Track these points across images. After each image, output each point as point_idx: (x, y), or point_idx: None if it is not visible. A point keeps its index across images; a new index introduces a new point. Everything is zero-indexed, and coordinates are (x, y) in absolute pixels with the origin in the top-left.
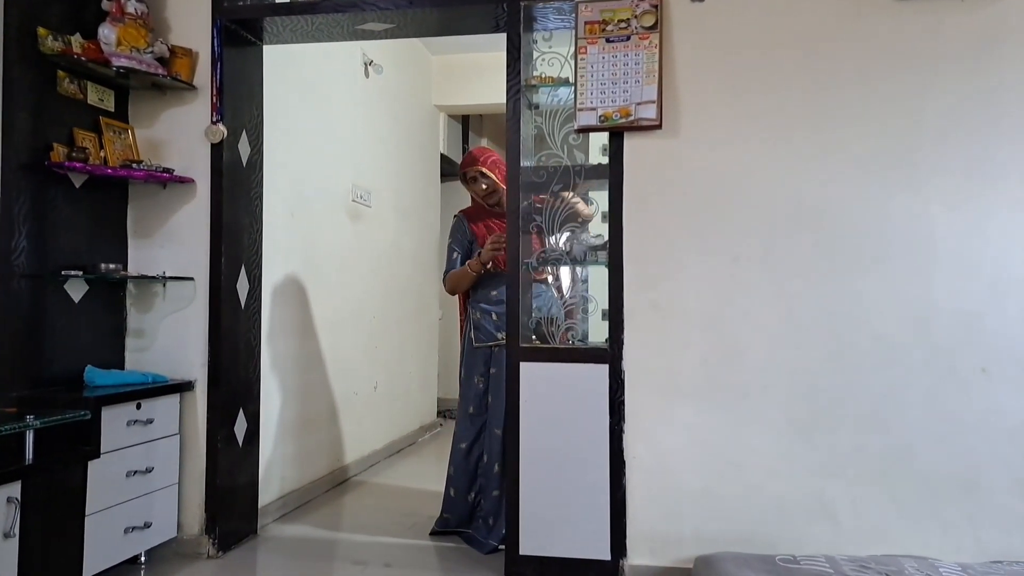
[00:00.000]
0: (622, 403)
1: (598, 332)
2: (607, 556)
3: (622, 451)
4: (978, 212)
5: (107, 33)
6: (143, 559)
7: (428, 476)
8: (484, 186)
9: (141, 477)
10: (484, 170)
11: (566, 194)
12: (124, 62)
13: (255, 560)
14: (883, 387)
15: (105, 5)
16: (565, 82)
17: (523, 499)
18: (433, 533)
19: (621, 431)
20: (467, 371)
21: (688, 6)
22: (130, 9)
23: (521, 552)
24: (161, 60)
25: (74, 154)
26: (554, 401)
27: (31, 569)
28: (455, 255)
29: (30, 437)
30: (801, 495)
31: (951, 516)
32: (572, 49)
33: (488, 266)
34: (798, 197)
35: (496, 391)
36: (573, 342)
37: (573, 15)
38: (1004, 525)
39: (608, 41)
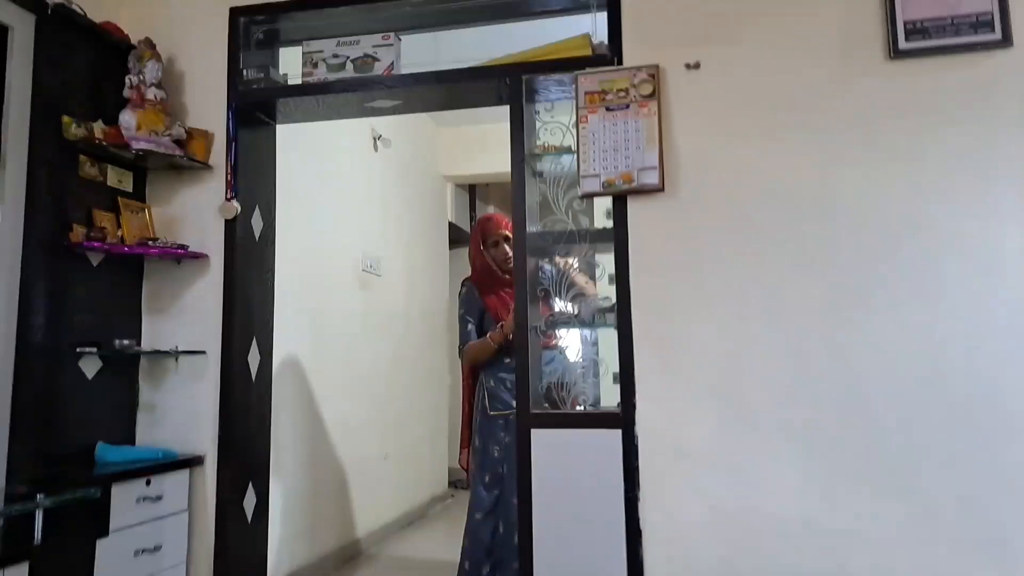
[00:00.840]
0: (636, 469)
1: (610, 396)
2: None
3: (638, 520)
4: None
5: (127, 119)
6: None
7: (440, 548)
8: (508, 249)
9: (149, 555)
10: (508, 233)
11: (565, 261)
12: (143, 144)
13: None
14: (903, 446)
15: (127, 93)
16: (567, 150)
17: (537, 572)
18: None
19: (636, 499)
20: (482, 440)
21: (684, 73)
22: (150, 96)
23: None
24: (178, 142)
25: (92, 234)
26: (566, 469)
27: None
28: (469, 327)
29: (39, 517)
30: (822, 563)
31: None
32: (573, 118)
33: (510, 337)
34: (802, 249)
35: (512, 460)
36: (585, 407)
37: (573, 86)
38: None
39: (608, 110)
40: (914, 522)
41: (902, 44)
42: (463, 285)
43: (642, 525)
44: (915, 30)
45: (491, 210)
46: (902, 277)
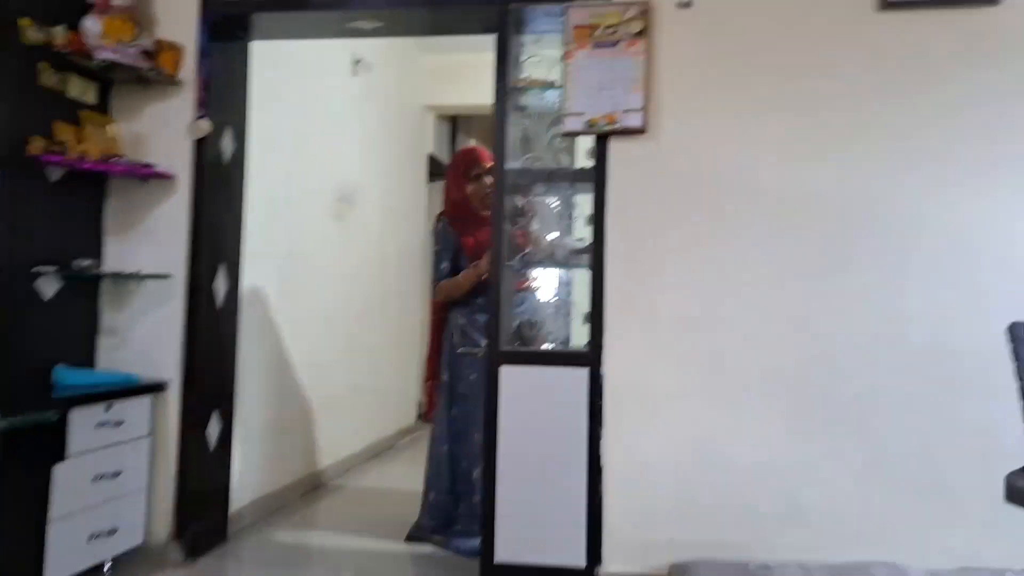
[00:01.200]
0: (600, 408)
1: (579, 337)
2: (582, 563)
3: (599, 457)
4: (972, 218)
5: (91, 25)
6: (108, 567)
7: (405, 479)
8: (490, 181)
9: (108, 481)
10: (491, 166)
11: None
12: (108, 55)
13: (225, 569)
14: (860, 395)
15: None
16: (552, 85)
17: (500, 506)
18: (409, 538)
19: (599, 437)
20: (449, 375)
21: (675, 12)
22: (116, 2)
23: (496, 560)
24: (146, 53)
25: (52, 147)
26: (533, 405)
27: None
28: (444, 265)
29: None
30: (775, 501)
31: (922, 523)
32: (560, 53)
33: (483, 278)
34: (780, 202)
35: (477, 396)
36: (554, 345)
37: (562, 18)
38: (972, 532)
39: (596, 46)
40: (865, 466)
41: None
42: (438, 220)
43: (604, 462)
44: None
45: (473, 144)
46: (877, 230)
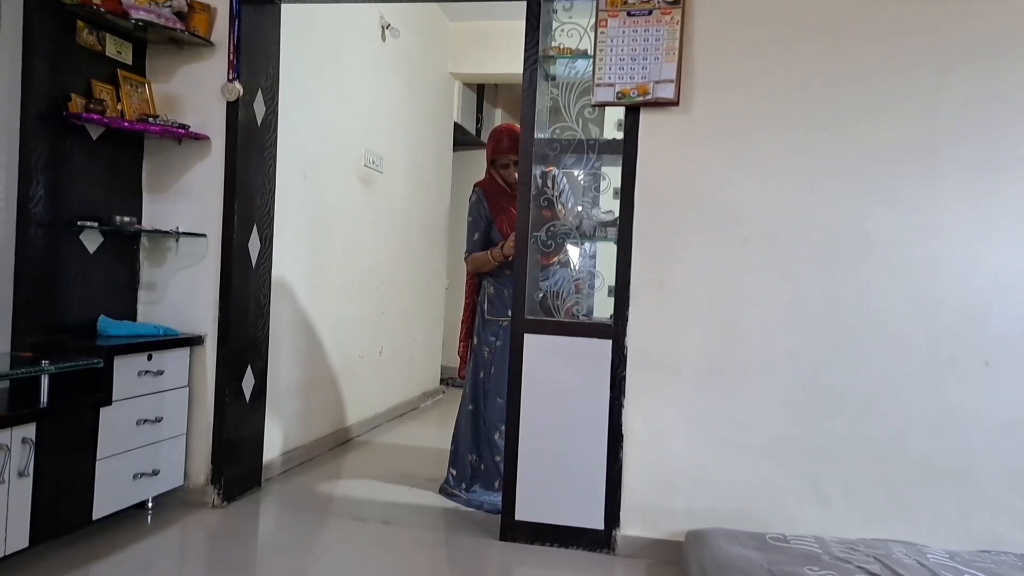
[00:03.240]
0: (623, 378)
1: (603, 308)
2: (600, 526)
3: (620, 425)
4: (988, 205)
5: None
6: (150, 505)
7: (429, 438)
8: (517, 175)
9: (151, 426)
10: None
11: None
12: (143, 15)
13: (258, 511)
14: (883, 375)
15: None
16: (583, 54)
17: (521, 466)
18: (441, 491)
19: (620, 406)
20: (478, 340)
21: None
22: None
23: (516, 517)
24: (179, 15)
25: (92, 106)
26: (556, 374)
27: (43, 509)
28: (476, 236)
29: (45, 382)
30: (795, 477)
31: (942, 504)
32: (592, 21)
33: (510, 259)
34: (810, 183)
35: (501, 363)
36: (578, 316)
37: None
38: (993, 515)
39: (629, 15)
40: (886, 446)
41: None
42: (474, 190)
43: (624, 430)
44: None
45: (498, 114)
46: (902, 216)
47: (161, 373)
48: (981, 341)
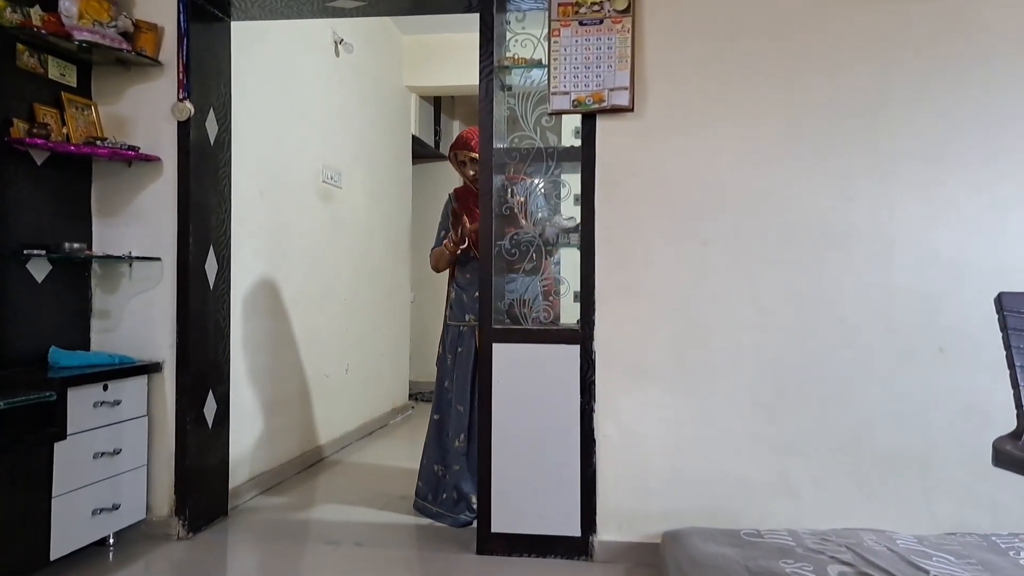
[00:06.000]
0: (593, 383)
1: (570, 314)
2: (577, 532)
3: (592, 430)
4: (939, 197)
5: (68, 6)
6: (112, 541)
7: (400, 456)
8: (472, 172)
9: (109, 459)
10: (475, 155)
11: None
12: (86, 36)
13: (225, 541)
14: (845, 368)
15: None
16: (538, 63)
17: (495, 477)
18: (416, 507)
19: (592, 411)
20: (442, 347)
21: None
22: None
23: (493, 529)
24: (125, 35)
25: (35, 130)
26: (526, 382)
27: None
28: (441, 233)
29: None
30: (765, 473)
31: (908, 491)
32: (545, 31)
33: (464, 246)
34: (766, 182)
35: (460, 369)
36: (545, 324)
37: None
38: (957, 499)
39: (581, 24)
40: (852, 437)
41: None
42: (450, 195)
43: (596, 435)
44: None
45: (456, 126)
46: (856, 210)
47: (118, 403)
48: (935, 330)
